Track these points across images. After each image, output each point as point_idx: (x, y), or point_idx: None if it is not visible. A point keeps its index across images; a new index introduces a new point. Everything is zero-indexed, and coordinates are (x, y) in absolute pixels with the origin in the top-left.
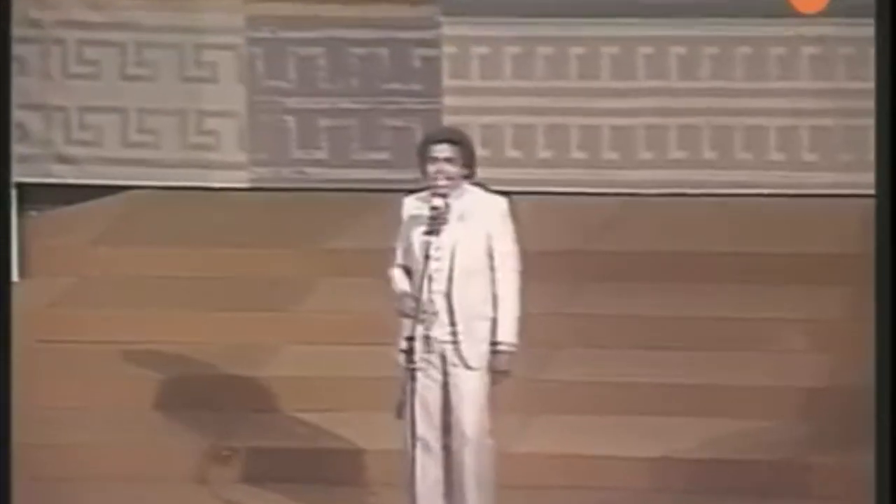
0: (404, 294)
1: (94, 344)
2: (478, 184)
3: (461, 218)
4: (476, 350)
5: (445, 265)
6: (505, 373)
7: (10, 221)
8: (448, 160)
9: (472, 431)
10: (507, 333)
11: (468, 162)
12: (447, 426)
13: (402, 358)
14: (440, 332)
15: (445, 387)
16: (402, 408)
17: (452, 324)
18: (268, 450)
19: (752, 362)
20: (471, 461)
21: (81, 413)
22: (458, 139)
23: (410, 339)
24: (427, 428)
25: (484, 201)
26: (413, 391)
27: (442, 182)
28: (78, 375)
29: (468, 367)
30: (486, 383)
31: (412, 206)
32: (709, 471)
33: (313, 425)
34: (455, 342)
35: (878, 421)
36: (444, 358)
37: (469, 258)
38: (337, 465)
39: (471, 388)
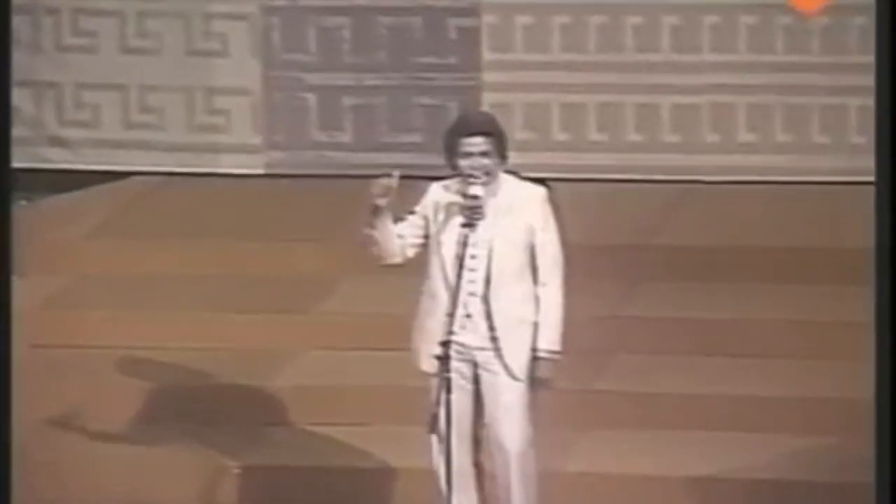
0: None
1: (92, 349)
2: (510, 171)
3: (497, 212)
4: (519, 357)
5: (482, 265)
6: (546, 382)
7: (10, 211)
8: (484, 154)
9: (515, 448)
10: (549, 340)
11: (502, 151)
12: (478, 442)
13: (435, 365)
14: (475, 338)
15: (477, 398)
16: (436, 421)
17: (491, 328)
18: (284, 468)
19: (828, 371)
20: (516, 482)
21: (78, 426)
22: (491, 129)
23: (446, 343)
24: (460, 444)
25: (521, 191)
26: (448, 402)
27: (480, 180)
28: (73, 384)
29: (513, 377)
30: (527, 394)
31: (442, 194)
32: (776, 493)
33: (336, 441)
34: (496, 349)
35: (879, 418)
36: (475, 365)
37: (508, 256)
38: (362, 486)
39: (512, 400)
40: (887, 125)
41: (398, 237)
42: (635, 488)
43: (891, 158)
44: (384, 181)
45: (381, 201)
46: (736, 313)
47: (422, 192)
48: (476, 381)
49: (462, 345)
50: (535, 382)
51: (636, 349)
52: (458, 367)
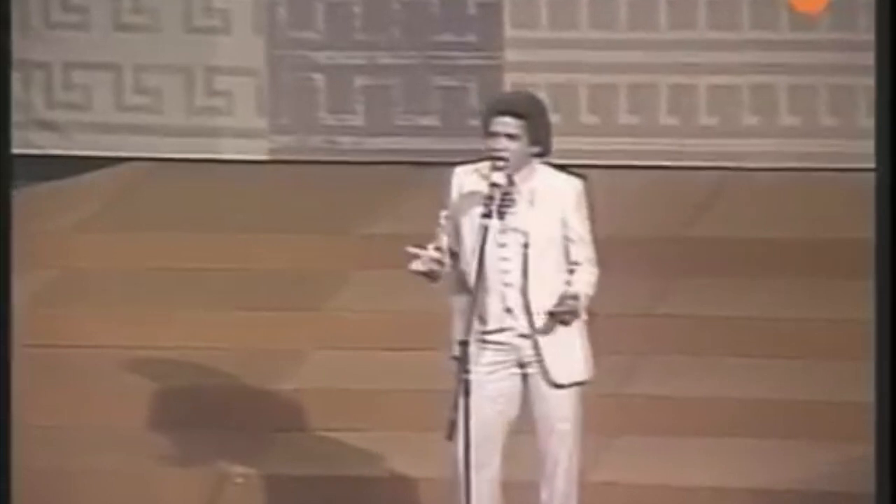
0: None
1: (84, 349)
2: (548, 163)
3: (531, 201)
4: (559, 360)
5: (518, 256)
6: (572, 314)
7: (10, 202)
8: (510, 137)
9: (565, 464)
10: (581, 284)
11: (538, 138)
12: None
13: (454, 366)
14: (517, 337)
15: (527, 405)
16: (454, 427)
17: (531, 325)
18: (291, 478)
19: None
20: (558, 494)
21: (70, 433)
22: (525, 111)
23: (464, 343)
24: (487, 453)
25: (556, 183)
26: (467, 407)
27: (502, 165)
28: (65, 387)
29: (551, 382)
30: (577, 403)
31: (466, 179)
32: None
33: (346, 447)
34: (535, 348)
35: (879, 415)
36: (522, 365)
37: (544, 249)
38: (376, 497)
39: (550, 406)
40: (887, 109)
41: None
42: (668, 500)
43: (891, 145)
44: (425, 257)
45: (429, 269)
46: (780, 311)
47: (440, 179)
48: (525, 385)
49: (510, 345)
50: (557, 318)
51: (670, 350)
52: (505, 368)
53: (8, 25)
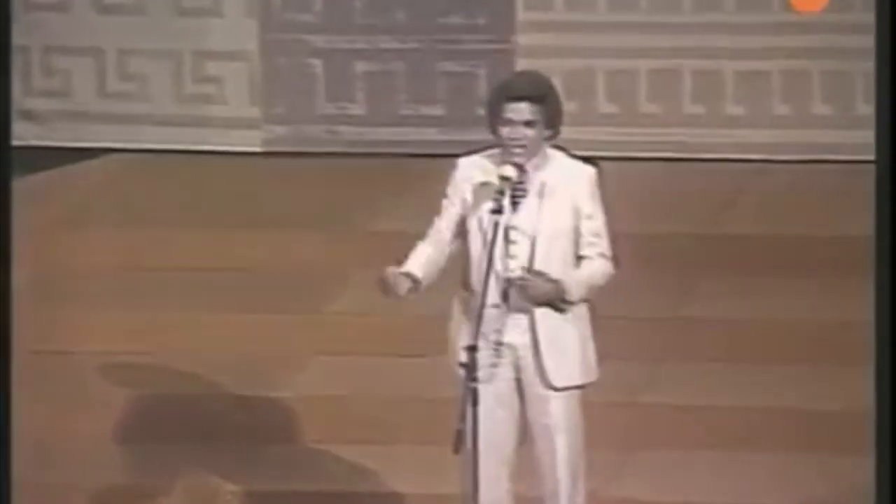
0: (396, 273)
1: (67, 355)
2: (559, 147)
3: (542, 191)
4: (560, 364)
5: (525, 251)
6: (522, 290)
7: (10, 196)
8: (528, 124)
9: (566, 475)
10: (572, 288)
11: (552, 122)
12: (526, 466)
13: (461, 373)
14: (517, 336)
15: (523, 411)
16: (461, 439)
17: (532, 326)
18: (287, 493)
19: None
20: None
21: (48, 444)
22: (541, 95)
23: (472, 348)
24: (495, 466)
25: (570, 170)
26: (476, 417)
27: (519, 153)
28: (46, 396)
29: (551, 386)
30: (578, 409)
31: (472, 171)
32: None
33: (346, 461)
34: (536, 351)
35: (879, 419)
36: (517, 368)
37: (554, 242)
38: None
39: (560, 414)
40: (887, 99)
41: (439, 248)
42: None
43: (891, 136)
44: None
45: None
46: (814, 314)
47: (446, 172)
48: (521, 391)
49: (507, 345)
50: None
51: (694, 355)
52: (498, 372)
53: (8, 23)
